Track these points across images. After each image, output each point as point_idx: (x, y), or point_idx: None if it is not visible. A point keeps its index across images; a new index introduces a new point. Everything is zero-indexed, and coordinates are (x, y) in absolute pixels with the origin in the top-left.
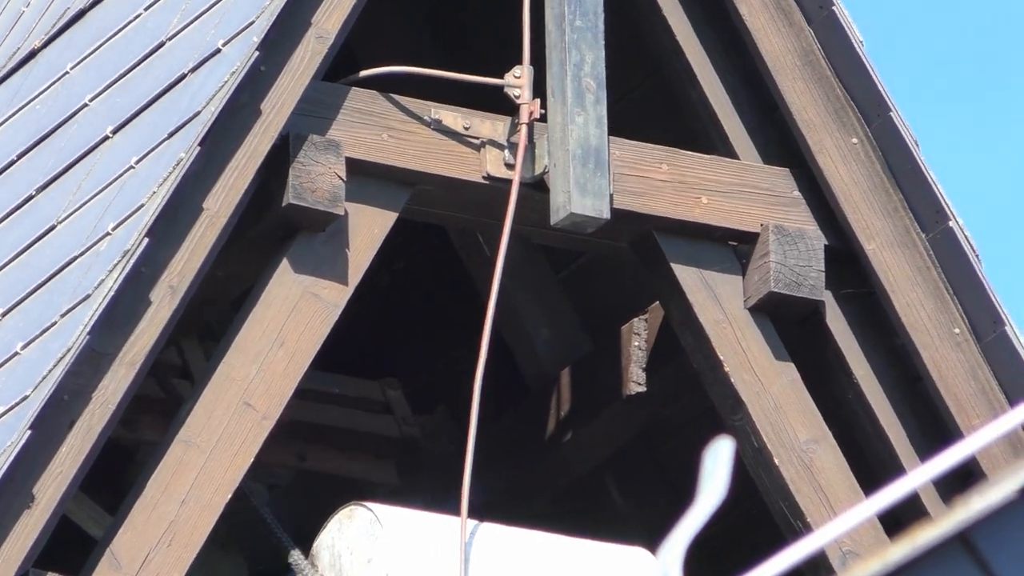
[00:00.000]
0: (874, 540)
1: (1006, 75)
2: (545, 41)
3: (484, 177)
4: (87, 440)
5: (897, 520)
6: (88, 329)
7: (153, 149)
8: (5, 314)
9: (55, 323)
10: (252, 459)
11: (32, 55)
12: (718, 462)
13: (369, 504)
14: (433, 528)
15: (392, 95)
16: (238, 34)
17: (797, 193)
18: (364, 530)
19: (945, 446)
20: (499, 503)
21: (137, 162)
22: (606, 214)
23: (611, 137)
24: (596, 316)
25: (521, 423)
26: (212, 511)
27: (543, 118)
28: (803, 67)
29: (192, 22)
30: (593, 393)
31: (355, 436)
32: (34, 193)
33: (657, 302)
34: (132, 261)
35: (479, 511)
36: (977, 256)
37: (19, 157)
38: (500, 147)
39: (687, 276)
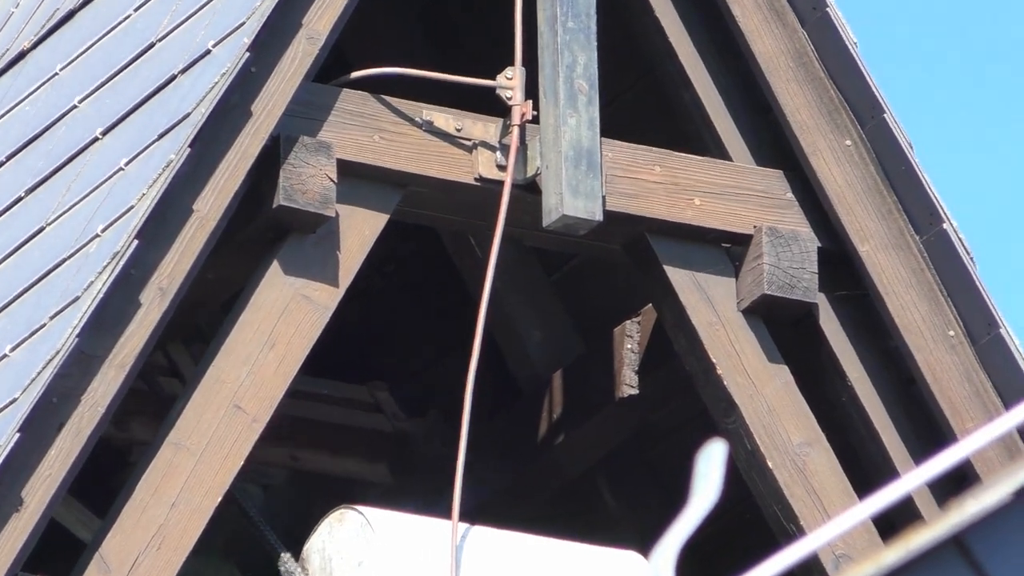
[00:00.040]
0: (868, 543)
1: (1001, 77)
2: (537, 42)
3: (476, 179)
4: (76, 443)
5: (891, 523)
6: (77, 331)
7: (143, 151)
8: None
9: (44, 325)
10: (242, 462)
11: (21, 56)
12: (711, 465)
13: (360, 507)
14: (424, 531)
15: (383, 96)
16: (228, 35)
17: (790, 195)
18: (355, 533)
19: (939, 449)
20: (491, 506)
21: (127, 164)
22: (599, 216)
23: (603, 139)
24: (588, 318)
25: (513, 426)
26: (202, 514)
27: (535, 120)
28: (796, 68)
29: (182, 23)
30: (585, 396)
31: (347, 433)
32: (23, 195)
33: (650, 304)
34: (122, 263)
35: (471, 514)
36: (971, 258)
37: (8, 159)
38: (492, 149)
39: (680, 278)
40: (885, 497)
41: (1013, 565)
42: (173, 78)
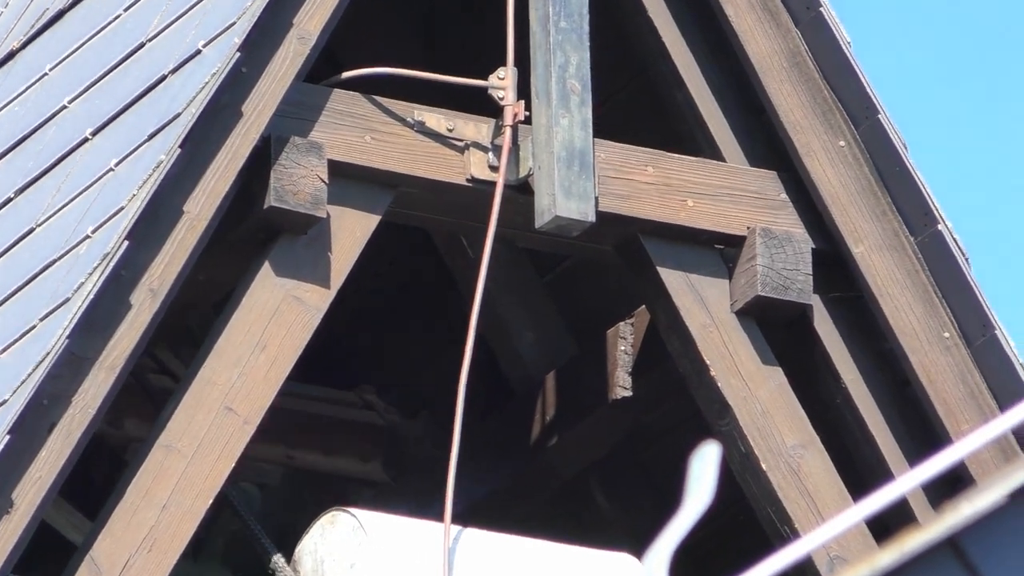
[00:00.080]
0: (862, 546)
1: (996, 76)
2: (530, 42)
3: (468, 179)
4: (67, 445)
5: (885, 526)
6: (67, 333)
7: (133, 151)
8: None
9: (34, 327)
10: (234, 464)
11: (10, 56)
12: (704, 467)
13: (352, 510)
14: (416, 534)
15: (375, 97)
16: (219, 35)
17: (784, 196)
18: (347, 536)
19: (934, 451)
20: (483, 508)
21: (117, 164)
22: (591, 217)
23: (596, 139)
24: (581, 320)
25: (506, 428)
26: (193, 516)
27: (527, 120)
28: (790, 69)
29: (172, 23)
30: (578, 397)
31: (340, 427)
32: (13, 196)
33: (643, 306)
34: (112, 264)
35: (463, 516)
36: (966, 259)
37: None
38: (484, 149)
39: (673, 280)
40: (880, 499)
41: (1008, 567)
42: (163, 78)
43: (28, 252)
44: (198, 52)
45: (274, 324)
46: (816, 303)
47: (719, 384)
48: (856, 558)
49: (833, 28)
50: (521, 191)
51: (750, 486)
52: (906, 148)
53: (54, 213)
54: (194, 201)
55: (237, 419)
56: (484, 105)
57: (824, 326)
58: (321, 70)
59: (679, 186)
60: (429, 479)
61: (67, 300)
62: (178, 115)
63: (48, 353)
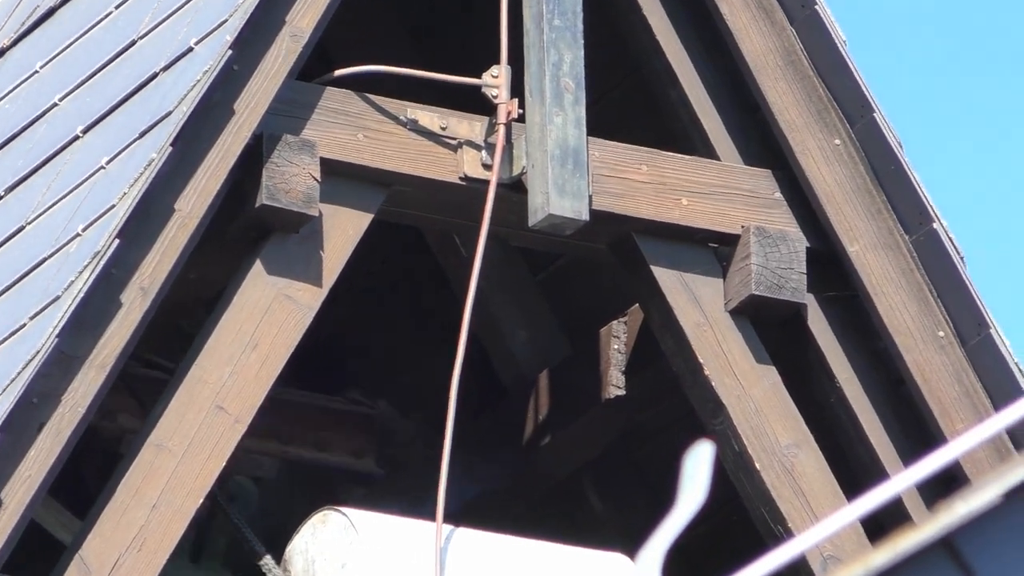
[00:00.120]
0: (856, 545)
1: (991, 75)
2: (523, 40)
3: (461, 178)
4: (56, 443)
5: (880, 525)
6: (57, 331)
7: (124, 149)
8: None
9: (24, 325)
10: (224, 463)
11: (1, 54)
12: (698, 466)
13: (343, 509)
14: (408, 533)
15: (367, 95)
16: (211, 33)
17: (779, 194)
18: (338, 535)
19: (929, 450)
20: (476, 507)
21: (108, 162)
22: (585, 216)
23: (590, 138)
24: (575, 319)
25: (499, 427)
26: (183, 516)
27: (521, 118)
28: (785, 67)
29: (164, 20)
30: (572, 397)
31: (331, 416)
32: (3, 194)
33: (636, 305)
34: (102, 263)
35: (455, 516)
36: (962, 258)
37: None
38: (477, 147)
39: (667, 278)
40: (874, 498)
41: (1002, 567)
42: (155, 76)
43: (18, 250)
44: (190, 50)
45: (266, 323)
46: (810, 302)
47: (713, 383)
48: (850, 558)
49: (828, 26)
50: (514, 189)
51: (744, 485)
52: (901, 147)
53: (44, 211)
54: (185, 199)
55: (228, 418)
56: (477, 103)
57: (818, 325)
58: (313, 68)
59: (673, 184)
60: (421, 478)
61: (57, 298)
62: (169, 113)
63: (38, 352)
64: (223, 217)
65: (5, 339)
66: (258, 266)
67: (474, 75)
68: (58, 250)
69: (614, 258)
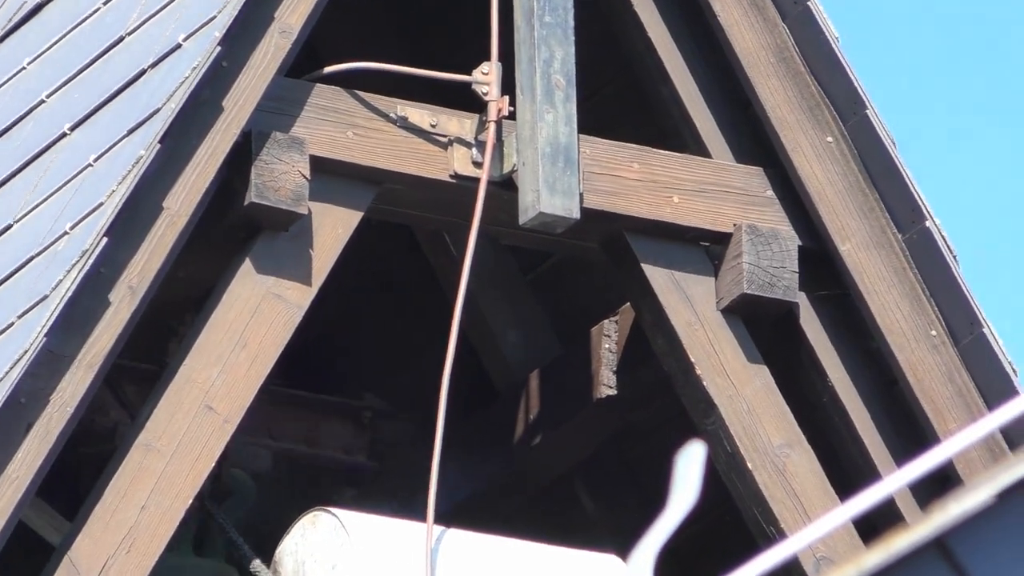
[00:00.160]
0: (849, 546)
1: (985, 73)
2: (514, 37)
3: (451, 176)
4: (44, 444)
5: (873, 526)
6: (45, 331)
7: (112, 147)
8: None
9: (12, 324)
10: (214, 463)
11: None
12: (690, 467)
13: (333, 510)
14: (399, 534)
15: (357, 92)
16: (199, 29)
17: (771, 192)
18: (328, 536)
19: (922, 450)
20: (466, 508)
21: (96, 160)
22: (576, 214)
23: (581, 135)
24: (566, 318)
25: (489, 427)
26: (173, 517)
27: (512, 115)
28: (777, 64)
29: (152, 17)
30: (563, 396)
31: (320, 411)
32: None
33: (628, 303)
34: (91, 261)
35: (446, 516)
36: (955, 257)
37: None
38: (468, 145)
39: (658, 277)
40: (867, 499)
41: (996, 568)
42: (143, 72)
43: (5, 249)
44: (178, 46)
45: (255, 322)
46: (802, 301)
47: (704, 383)
48: (843, 559)
49: (820, 22)
50: (505, 187)
51: (736, 486)
52: (894, 144)
53: (32, 209)
54: (174, 197)
55: (217, 418)
56: (468, 101)
57: (810, 324)
58: (303, 65)
59: (665, 182)
60: (412, 478)
61: (45, 297)
62: (158, 110)
63: (26, 351)
64: (212, 215)
65: None
66: (247, 265)
67: (464, 72)
68: (46, 248)
69: (605, 256)
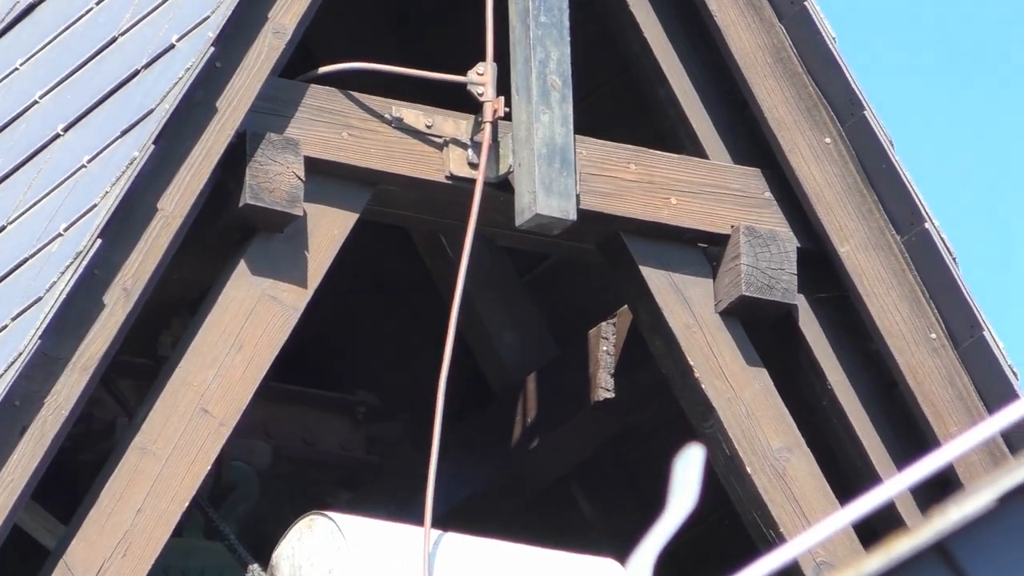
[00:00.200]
0: (849, 550)
1: (983, 72)
2: (509, 37)
3: (447, 177)
4: (39, 447)
5: (873, 530)
6: (40, 333)
7: (106, 148)
8: None
9: (6, 326)
10: (209, 466)
11: None
12: (689, 470)
13: (330, 513)
14: (396, 538)
15: (352, 92)
16: (192, 29)
17: (768, 194)
18: (325, 540)
19: (922, 454)
20: (463, 512)
21: (89, 161)
22: (572, 215)
23: (577, 136)
24: (563, 320)
25: (486, 430)
26: (168, 520)
27: (507, 116)
28: (774, 64)
29: (145, 17)
30: (560, 399)
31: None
32: None
33: (625, 306)
34: (85, 263)
35: (442, 520)
36: (954, 259)
37: None
38: (463, 146)
39: (656, 279)
40: (867, 503)
41: (997, 572)
42: (136, 73)
43: None
44: (171, 47)
45: (250, 324)
46: (801, 303)
47: (703, 385)
48: (843, 563)
49: (818, 23)
50: (501, 188)
51: (735, 489)
52: (892, 145)
53: (25, 211)
54: (168, 199)
55: (213, 421)
56: (463, 101)
57: (809, 326)
58: (297, 65)
59: (662, 184)
60: (408, 481)
61: (39, 299)
62: (151, 111)
63: (20, 353)
64: (206, 217)
65: None
66: (242, 266)
67: (460, 72)
68: (40, 250)
69: (602, 258)
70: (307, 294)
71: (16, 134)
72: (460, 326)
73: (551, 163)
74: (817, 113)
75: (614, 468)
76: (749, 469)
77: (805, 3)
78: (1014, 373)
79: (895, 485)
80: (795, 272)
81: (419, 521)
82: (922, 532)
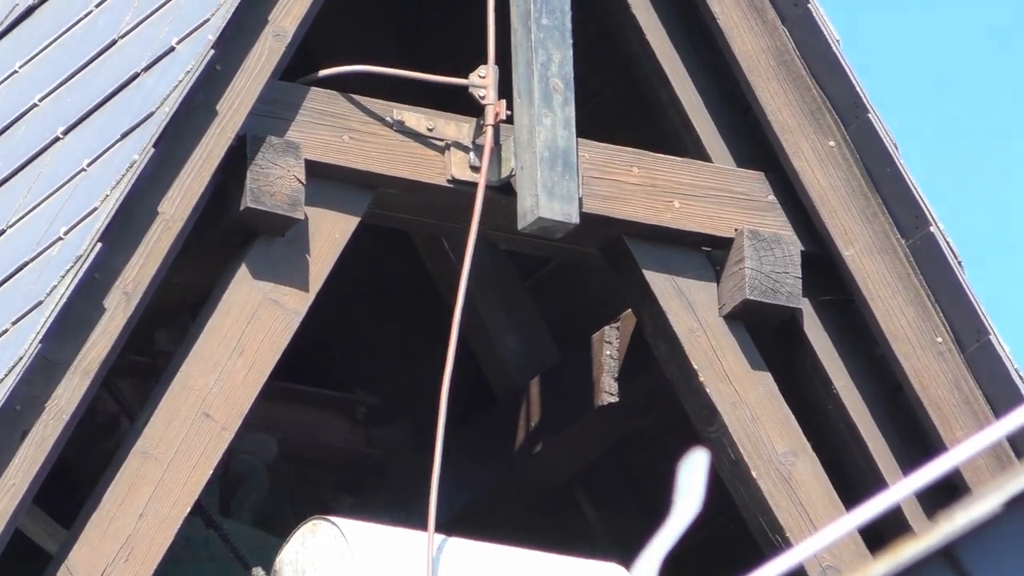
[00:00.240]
0: (855, 555)
1: (989, 74)
2: (511, 40)
3: (449, 180)
4: (40, 451)
5: (879, 535)
6: (40, 337)
7: (106, 151)
8: None
9: (6, 331)
10: (211, 471)
11: None
12: (693, 475)
13: (333, 518)
14: (399, 543)
15: (353, 95)
16: (192, 32)
17: (772, 197)
18: (328, 545)
19: (928, 458)
20: (467, 516)
21: (89, 164)
22: (575, 218)
23: (580, 139)
24: (566, 324)
25: (489, 435)
26: (171, 524)
27: (509, 119)
28: (777, 67)
29: (145, 20)
30: (563, 404)
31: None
32: None
33: (629, 310)
34: (85, 267)
35: (445, 525)
36: (959, 262)
37: None
38: (465, 149)
39: (659, 283)
40: (873, 508)
41: None
42: (136, 76)
43: None
44: (171, 49)
45: (252, 328)
46: (806, 307)
47: (707, 390)
48: (849, 568)
49: (821, 25)
50: (503, 192)
51: (740, 494)
52: (897, 148)
53: (25, 214)
54: (169, 202)
55: (215, 425)
56: (465, 104)
57: (814, 330)
58: (297, 68)
59: (665, 187)
60: (411, 486)
61: (40, 303)
62: (151, 114)
63: (21, 358)
64: (207, 220)
65: None
66: (243, 270)
67: (461, 75)
68: (40, 254)
69: (605, 262)
70: (309, 298)
71: (16, 137)
72: (462, 330)
73: (553, 166)
74: (821, 116)
75: (618, 472)
76: (754, 473)
77: (808, 5)
78: (1021, 377)
79: (901, 489)
80: (799, 276)
81: (422, 525)
82: (928, 537)
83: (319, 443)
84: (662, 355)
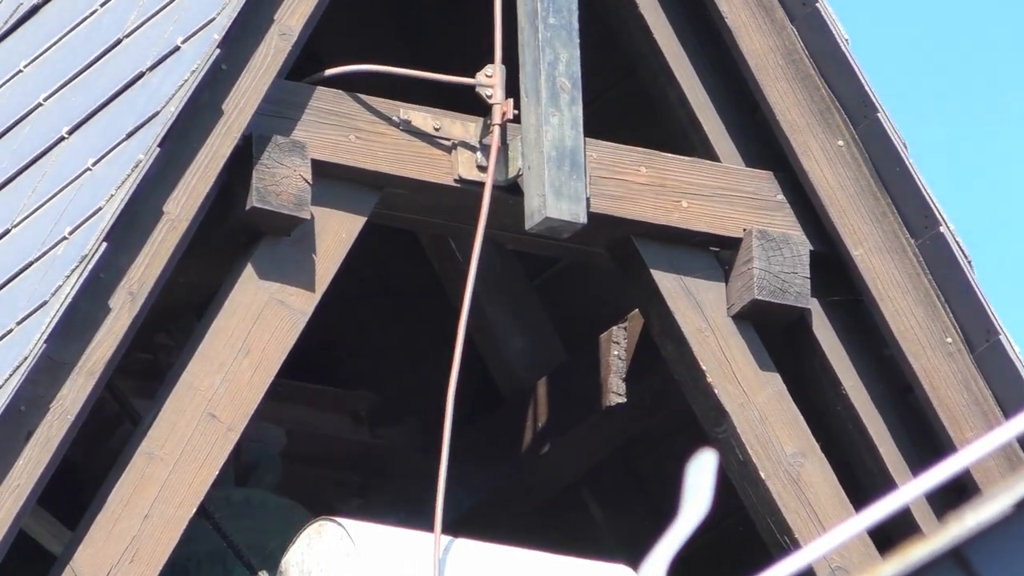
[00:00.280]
0: (864, 556)
1: (997, 74)
2: (518, 39)
3: (456, 180)
4: (45, 452)
5: (888, 536)
6: (45, 337)
7: (111, 150)
8: None
9: (11, 331)
10: (217, 471)
11: None
12: (701, 476)
13: (339, 519)
14: (405, 544)
15: (359, 95)
16: (198, 31)
17: (781, 197)
18: (334, 546)
19: (937, 459)
20: (473, 517)
21: (94, 164)
22: (583, 218)
23: (587, 138)
24: (573, 324)
25: (496, 435)
26: (176, 525)
27: (516, 119)
28: (786, 66)
29: (150, 19)
30: (570, 404)
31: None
32: None
33: (636, 310)
34: (90, 266)
35: (452, 526)
36: (969, 262)
37: None
38: (472, 149)
39: (667, 283)
40: (882, 509)
41: None
42: (141, 75)
43: (4, 254)
44: (177, 48)
45: (258, 328)
46: (814, 307)
47: (715, 390)
48: (858, 569)
49: (830, 24)
50: (510, 192)
51: (748, 495)
52: (906, 147)
53: (30, 214)
54: (174, 202)
55: (221, 426)
56: (472, 104)
57: (823, 331)
58: (303, 67)
59: (673, 186)
60: (417, 487)
61: (45, 303)
62: (157, 113)
63: (26, 358)
64: (213, 220)
65: None
66: (249, 270)
67: (468, 75)
68: (45, 254)
69: (613, 262)
70: (315, 298)
71: (20, 137)
72: (469, 330)
73: (561, 166)
74: (830, 115)
75: (625, 473)
76: (763, 474)
77: (817, 4)
78: None
79: (910, 490)
80: (808, 276)
81: (429, 526)
82: (938, 538)
83: (324, 443)
84: (670, 355)
